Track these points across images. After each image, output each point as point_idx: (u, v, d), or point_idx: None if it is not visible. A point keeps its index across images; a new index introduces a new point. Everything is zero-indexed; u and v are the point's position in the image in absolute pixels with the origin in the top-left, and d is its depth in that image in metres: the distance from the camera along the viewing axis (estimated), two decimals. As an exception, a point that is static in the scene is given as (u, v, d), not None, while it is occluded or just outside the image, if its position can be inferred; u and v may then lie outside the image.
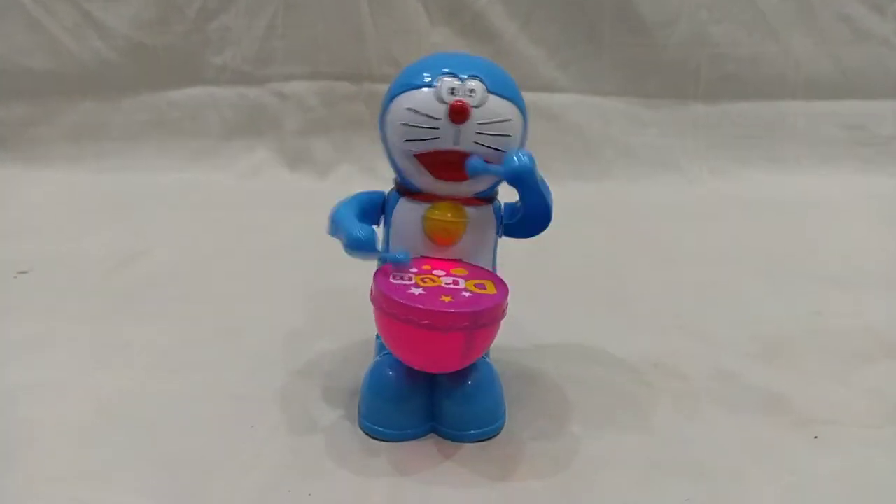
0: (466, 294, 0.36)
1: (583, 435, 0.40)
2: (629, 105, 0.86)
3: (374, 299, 0.37)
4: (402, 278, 0.37)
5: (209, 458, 0.38)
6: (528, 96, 0.88)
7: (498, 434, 0.40)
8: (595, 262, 0.65)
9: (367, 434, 0.40)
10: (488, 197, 0.40)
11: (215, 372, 0.46)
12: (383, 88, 0.92)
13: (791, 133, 0.84)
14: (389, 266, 0.38)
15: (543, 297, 0.56)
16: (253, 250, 0.70)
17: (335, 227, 0.38)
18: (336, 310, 0.55)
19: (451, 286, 0.36)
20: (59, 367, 0.47)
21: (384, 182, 0.94)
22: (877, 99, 0.82)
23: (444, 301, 0.35)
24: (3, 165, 0.93)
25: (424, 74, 0.37)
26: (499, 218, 0.40)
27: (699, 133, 0.85)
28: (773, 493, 0.35)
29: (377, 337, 0.45)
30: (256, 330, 0.52)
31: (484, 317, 0.35)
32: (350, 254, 0.37)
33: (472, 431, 0.39)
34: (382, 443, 0.39)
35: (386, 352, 0.40)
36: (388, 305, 0.35)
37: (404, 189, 0.40)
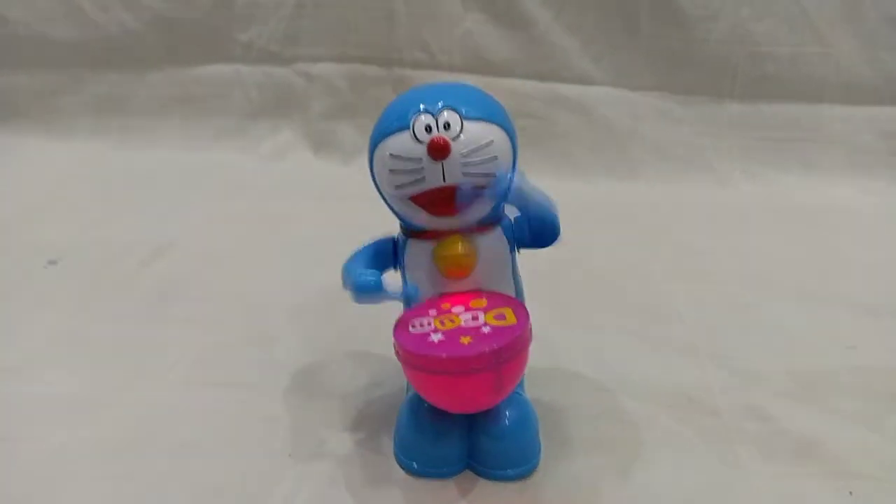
0: (486, 329, 0.36)
1: (617, 476, 0.40)
2: (663, 101, 0.84)
3: (396, 353, 0.37)
4: (421, 325, 0.37)
5: (248, 490, 0.39)
6: (559, 88, 0.87)
7: (534, 472, 0.40)
8: (625, 273, 0.64)
9: (401, 467, 0.40)
10: (494, 219, 0.39)
11: (249, 389, 0.47)
12: (413, 74, 0.91)
13: (827, 138, 0.82)
14: (406, 316, 0.38)
15: (574, 315, 0.56)
16: (281, 242, 0.69)
17: (346, 277, 0.39)
18: (368, 317, 0.54)
19: (471, 323, 0.36)
20: (94, 377, 0.48)
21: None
22: (919, 107, 0.80)
23: (464, 343, 0.35)
24: (26, 135, 0.92)
25: (399, 116, 0.37)
26: (510, 236, 0.40)
27: (733, 133, 0.83)
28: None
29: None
30: (288, 340, 0.52)
31: (507, 351, 0.35)
32: (358, 300, 0.37)
33: (510, 471, 0.39)
34: (417, 479, 0.40)
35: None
36: (411, 359, 0.35)
37: (409, 230, 0.39)
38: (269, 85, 0.90)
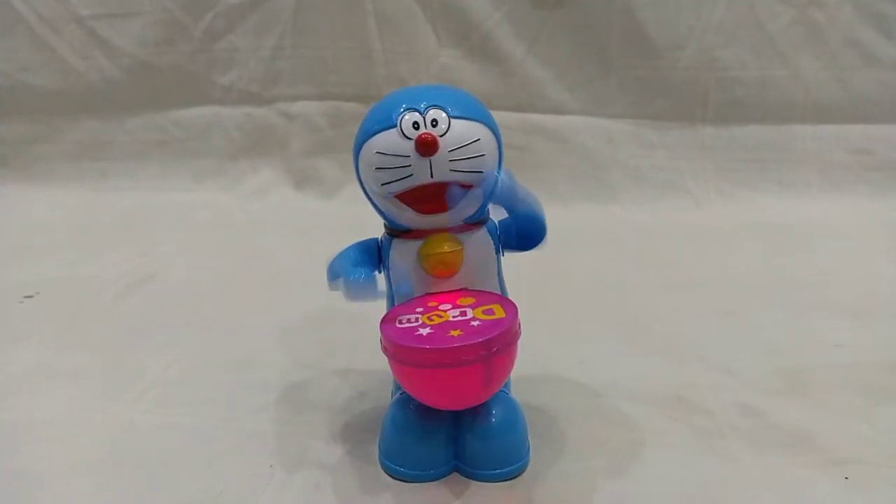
0: (475, 323, 0.35)
1: (610, 474, 0.39)
2: (637, 127, 0.86)
3: (384, 349, 0.36)
4: (408, 321, 0.36)
5: (230, 501, 0.37)
6: (535, 118, 0.89)
7: (523, 473, 0.39)
8: (608, 287, 0.65)
9: (388, 474, 0.39)
10: (480, 219, 0.39)
11: (230, 406, 0.46)
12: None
13: (800, 157, 0.84)
14: (393, 312, 0.37)
15: (560, 325, 0.56)
16: (261, 274, 0.69)
17: (333, 275, 0.38)
18: (349, 338, 0.54)
19: (459, 318, 0.36)
20: (70, 400, 0.47)
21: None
22: (885, 123, 0.82)
23: (453, 336, 0.34)
24: (6, 183, 0.92)
25: (385, 115, 0.36)
26: (495, 238, 0.40)
27: (707, 156, 0.85)
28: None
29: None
30: (269, 360, 0.51)
31: (496, 342, 0.34)
32: (350, 297, 0.37)
33: (498, 471, 0.38)
34: (405, 483, 0.38)
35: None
36: (399, 352, 0.35)
37: (394, 231, 0.39)
38: (249, 125, 0.91)
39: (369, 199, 0.39)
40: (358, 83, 0.87)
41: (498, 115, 0.91)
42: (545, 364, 0.49)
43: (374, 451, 0.40)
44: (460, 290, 0.39)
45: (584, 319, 0.57)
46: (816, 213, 0.80)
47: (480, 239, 0.39)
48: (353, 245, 0.40)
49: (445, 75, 0.86)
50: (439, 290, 0.39)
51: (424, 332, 0.35)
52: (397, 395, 0.40)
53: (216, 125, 0.91)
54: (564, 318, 0.57)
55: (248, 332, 0.56)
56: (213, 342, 0.54)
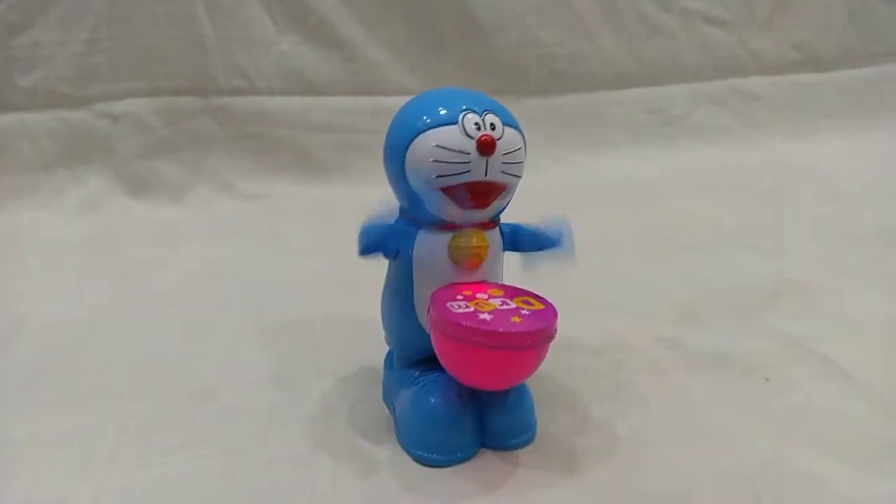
0: (526, 312, 0.39)
1: (607, 418, 0.45)
2: (473, 103, 0.92)
3: (445, 330, 0.38)
4: (459, 306, 0.38)
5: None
6: (380, 100, 0.91)
7: (537, 435, 0.43)
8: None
9: (422, 463, 0.41)
10: (497, 219, 0.43)
11: (221, 440, 0.43)
12: (232, 101, 0.88)
13: (608, 120, 0.97)
14: (441, 295, 0.39)
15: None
16: (147, 296, 0.63)
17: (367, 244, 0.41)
18: (291, 348, 0.53)
19: (507, 307, 0.39)
20: (35, 474, 0.40)
21: (244, 198, 0.88)
22: (669, 84, 0.98)
23: (516, 322, 0.37)
24: None
25: (441, 111, 0.39)
26: (504, 237, 0.43)
27: (536, 126, 0.94)
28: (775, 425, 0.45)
29: (386, 368, 0.46)
30: (229, 387, 0.48)
31: (550, 329, 0.38)
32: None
33: (522, 437, 0.42)
34: (438, 469, 0.40)
35: (422, 382, 0.42)
36: (469, 335, 0.37)
37: (422, 222, 0.41)
38: (63, 132, 0.80)
39: (404, 188, 0.40)
40: (192, 75, 0.82)
41: (343, 101, 0.91)
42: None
43: (393, 450, 0.42)
44: (481, 282, 0.42)
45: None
46: (626, 169, 0.94)
47: (496, 237, 0.43)
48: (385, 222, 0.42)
49: (286, 62, 0.84)
50: (461, 282, 0.41)
51: (487, 317, 0.37)
52: (411, 390, 0.42)
53: (21, 134, 0.79)
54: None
55: (185, 360, 0.52)
56: (154, 379, 0.49)
